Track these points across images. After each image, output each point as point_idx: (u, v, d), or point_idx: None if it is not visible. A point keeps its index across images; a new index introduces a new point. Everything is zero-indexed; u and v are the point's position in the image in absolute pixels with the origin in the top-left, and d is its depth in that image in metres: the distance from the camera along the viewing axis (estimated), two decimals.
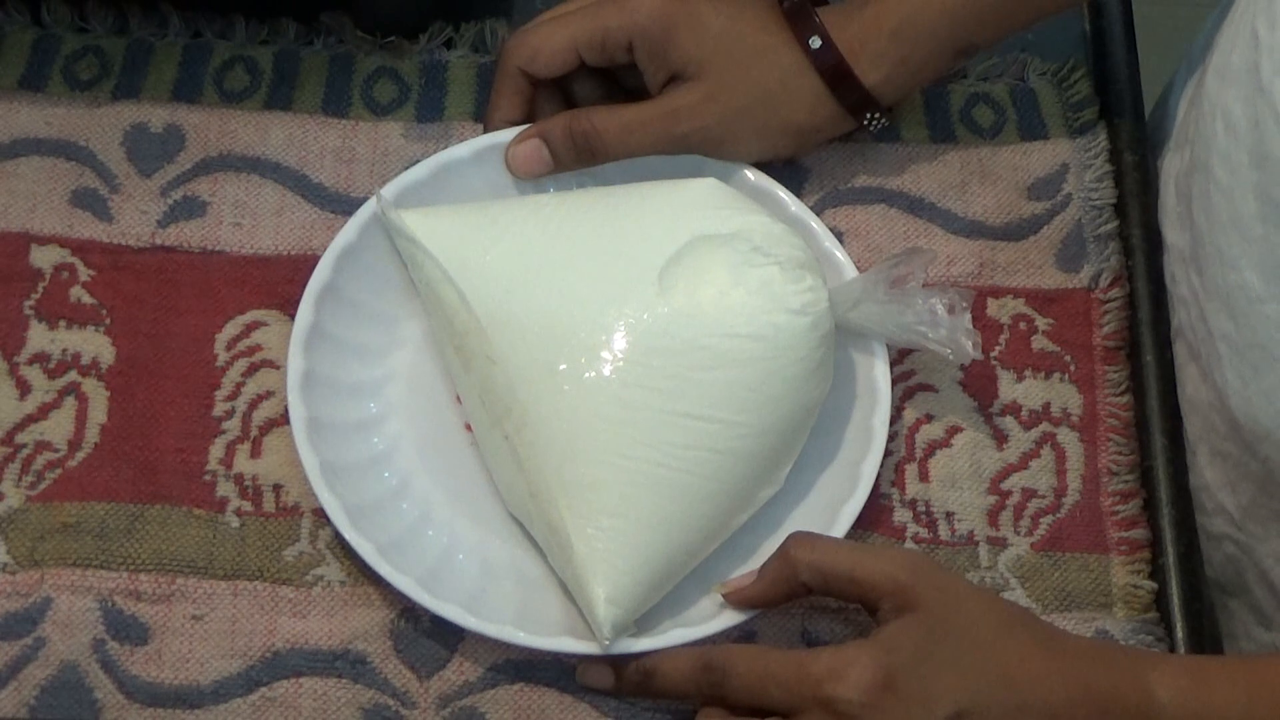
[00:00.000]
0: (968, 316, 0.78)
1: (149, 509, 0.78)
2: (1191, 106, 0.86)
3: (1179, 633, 0.79)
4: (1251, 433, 0.79)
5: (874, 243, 0.87)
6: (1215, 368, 0.80)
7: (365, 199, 0.83)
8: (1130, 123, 0.90)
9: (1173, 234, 0.86)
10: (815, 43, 0.83)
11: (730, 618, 0.75)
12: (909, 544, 0.80)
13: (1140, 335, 0.85)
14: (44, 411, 0.80)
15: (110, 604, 0.76)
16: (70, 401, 0.80)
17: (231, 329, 0.83)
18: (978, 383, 0.84)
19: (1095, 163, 0.89)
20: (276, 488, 0.79)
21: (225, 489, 0.79)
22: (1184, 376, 0.84)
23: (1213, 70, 0.82)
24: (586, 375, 0.75)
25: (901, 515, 0.81)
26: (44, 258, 0.84)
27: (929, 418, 0.83)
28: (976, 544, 0.81)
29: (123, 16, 0.89)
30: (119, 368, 0.81)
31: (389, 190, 0.82)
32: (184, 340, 0.82)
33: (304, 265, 0.81)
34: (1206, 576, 0.85)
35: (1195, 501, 0.84)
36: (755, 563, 0.76)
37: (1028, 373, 0.84)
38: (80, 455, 0.79)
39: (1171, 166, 0.87)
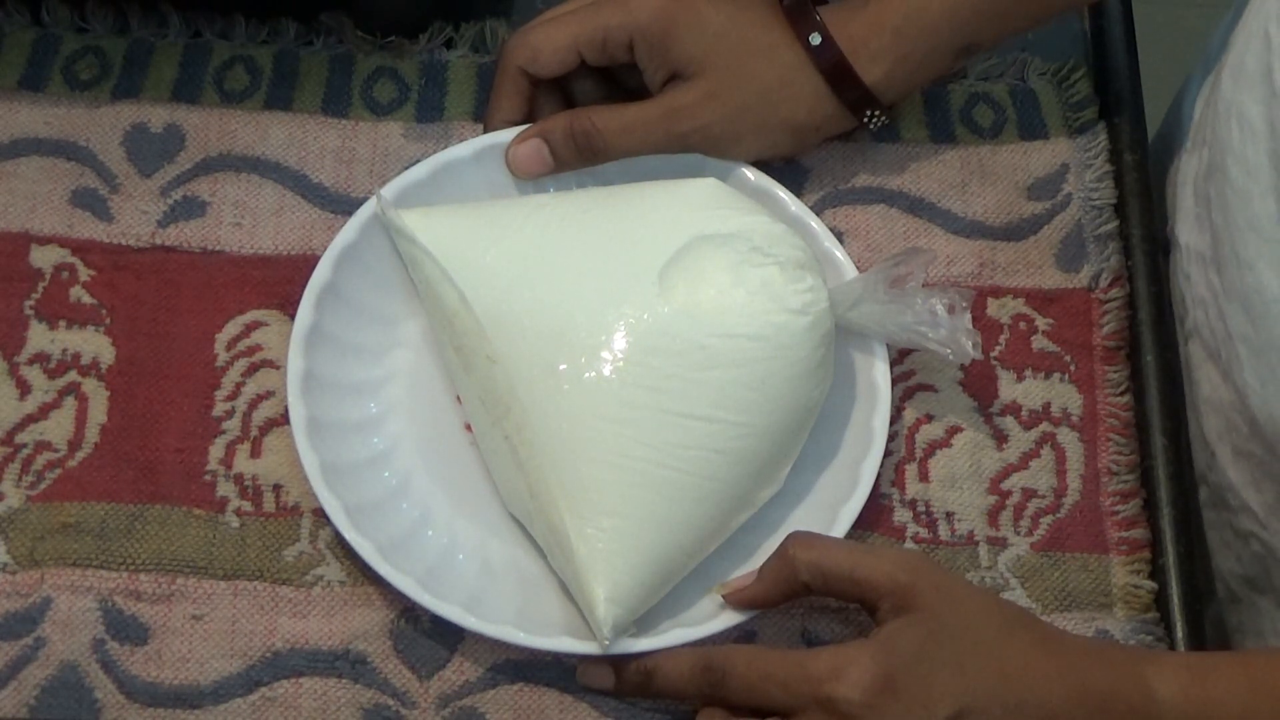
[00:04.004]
0: (968, 316, 0.78)
1: (149, 509, 0.78)
2: (1208, 107, 0.86)
3: (1179, 633, 0.79)
4: (1273, 433, 0.79)
5: (874, 243, 0.87)
6: (1235, 369, 0.80)
7: (365, 199, 0.83)
8: (1130, 123, 0.90)
9: (1189, 235, 0.86)
10: (815, 40, 0.83)
11: (730, 618, 0.75)
12: (909, 544, 0.80)
13: (1140, 335, 0.85)
14: (44, 411, 0.80)
15: (110, 604, 0.76)
16: (70, 401, 0.80)
17: (231, 329, 0.83)
18: (978, 383, 0.84)
19: (1095, 163, 0.89)
20: (276, 488, 0.79)
21: (225, 489, 0.79)
22: (1200, 376, 0.84)
23: (1228, 71, 0.82)
24: (586, 375, 0.75)
25: (901, 515, 0.81)
26: (44, 258, 0.84)
27: (929, 418, 0.83)
28: (976, 544, 0.81)
29: (123, 16, 0.89)
30: (119, 368, 0.81)
31: (389, 190, 0.82)
32: (184, 340, 0.82)
33: (304, 265, 0.81)
34: (1235, 573, 0.85)
35: (1220, 500, 0.84)
36: (755, 563, 0.76)
37: (1028, 373, 0.84)
38: (80, 455, 0.79)
39: (1189, 167, 0.87)
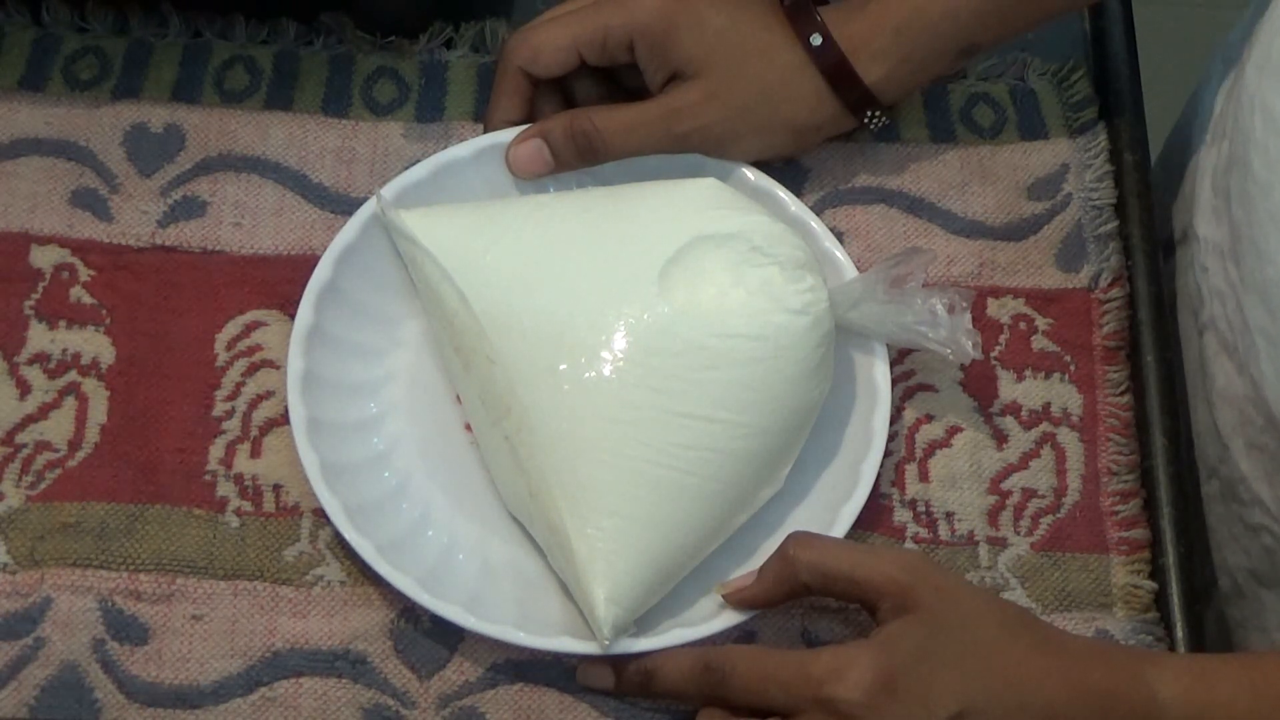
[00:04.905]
0: (968, 316, 0.78)
1: (149, 509, 0.78)
2: (1229, 100, 0.86)
3: (1179, 633, 0.79)
4: None
5: (874, 243, 0.87)
6: (1252, 361, 0.80)
7: (365, 199, 0.83)
8: (1130, 123, 0.90)
9: (1206, 227, 0.86)
10: (816, 40, 0.83)
11: (730, 618, 0.75)
12: (909, 544, 0.80)
13: (1140, 335, 0.85)
14: (44, 411, 0.80)
15: (110, 604, 0.76)
16: (70, 401, 0.80)
17: (231, 329, 0.83)
18: (978, 383, 0.84)
19: (1095, 163, 0.89)
20: (276, 488, 0.79)
21: (225, 489, 0.79)
22: (1215, 369, 0.84)
23: (1252, 64, 0.82)
24: (586, 375, 0.75)
25: (901, 515, 0.81)
26: (44, 258, 0.84)
27: (929, 418, 0.83)
28: (976, 544, 0.81)
29: (123, 16, 0.89)
30: (119, 368, 0.81)
31: (389, 190, 0.82)
32: (184, 340, 0.82)
33: (304, 265, 0.81)
34: (1242, 567, 0.85)
35: (1231, 493, 0.84)
36: (755, 563, 0.76)
37: (1028, 373, 0.84)
38: (80, 455, 0.79)
39: (1207, 160, 0.87)
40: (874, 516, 0.80)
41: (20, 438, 0.80)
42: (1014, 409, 0.84)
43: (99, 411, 0.80)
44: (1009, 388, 0.84)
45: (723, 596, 0.76)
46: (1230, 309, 0.82)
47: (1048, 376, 0.84)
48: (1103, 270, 0.87)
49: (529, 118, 0.85)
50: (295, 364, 0.78)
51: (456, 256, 0.78)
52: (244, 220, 0.85)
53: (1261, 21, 0.84)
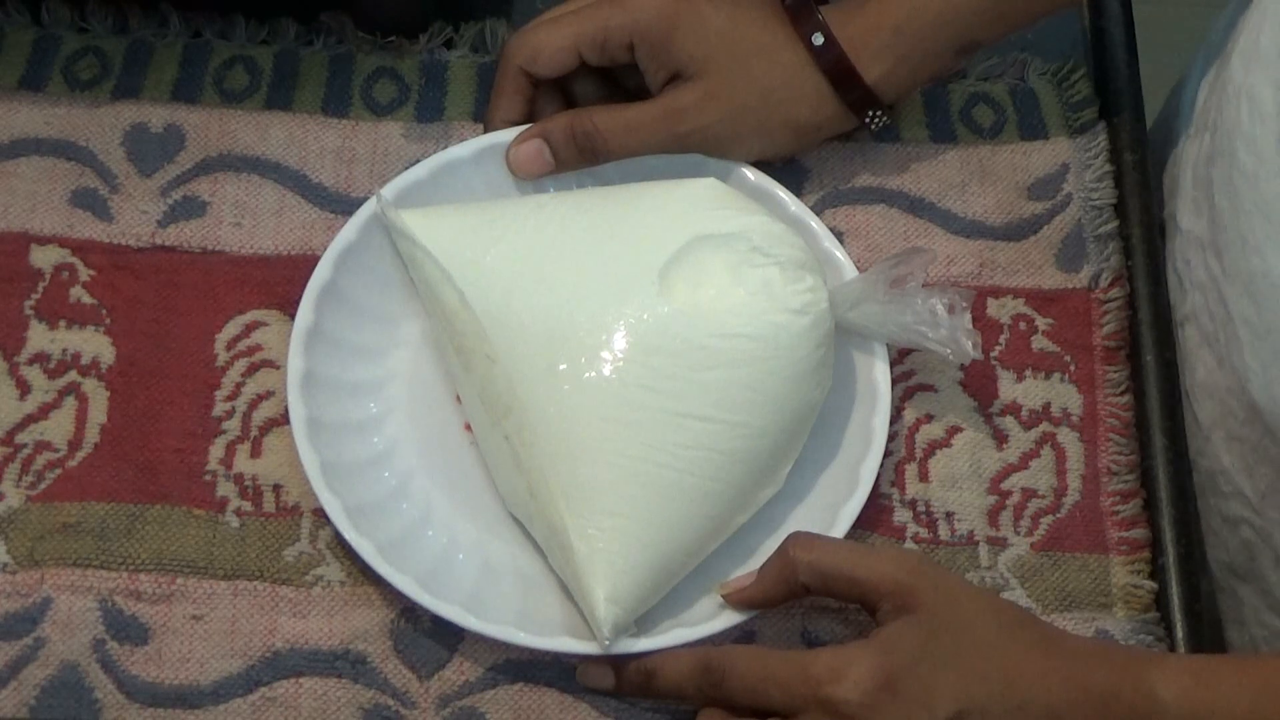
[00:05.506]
0: (968, 316, 0.78)
1: (149, 509, 0.78)
2: (1213, 91, 0.86)
3: (1179, 633, 0.79)
4: (1272, 416, 0.79)
5: (874, 243, 0.87)
6: (1234, 352, 0.80)
7: (365, 199, 0.83)
8: (1130, 123, 0.90)
9: (1188, 220, 0.86)
10: (818, 40, 0.83)
11: (730, 618, 0.75)
12: (909, 544, 0.80)
13: (1140, 335, 0.85)
14: (44, 411, 0.80)
15: (110, 604, 0.76)
16: (70, 401, 0.80)
17: (231, 329, 0.83)
18: (978, 383, 0.84)
19: (1095, 163, 0.89)
20: (276, 488, 0.79)
21: (225, 489, 0.79)
22: (1195, 361, 0.84)
23: (1238, 54, 0.82)
24: (586, 375, 0.75)
25: (901, 515, 0.81)
26: (44, 258, 0.84)
27: (929, 418, 0.83)
28: (976, 544, 0.81)
29: (123, 16, 0.89)
30: (119, 368, 0.81)
31: (389, 190, 0.82)
32: (184, 340, 0.82)
33: (304, 265, 0.81)
34: (1220, 560, 0.85)
35: (1211, 485, 0.84)
36: (755, 563, 0.76)
37: (1028, 373, 0.84)
38: (80, 455, 0.79)
39: (1189, 152, 0.87)
40: (874, 516, 0.80)
41: (20, 438, 0.80)
42: (1014, 409, 0.84)
43: (99, 411, 0.80)
44: (1009, 388, 0.84)
45: (723, 596, 0.76)
46: (1212, 301, 0.82)
47: (1048, 376, 0.84)
48: (1103, 270, 0.87)
49: (529, 118, 0.85)
50: (295, 364, 0.78)
51: (456, 256, 0.79)
52: (244, 220, 0.85)
53: (1247, 12, 0.85)
